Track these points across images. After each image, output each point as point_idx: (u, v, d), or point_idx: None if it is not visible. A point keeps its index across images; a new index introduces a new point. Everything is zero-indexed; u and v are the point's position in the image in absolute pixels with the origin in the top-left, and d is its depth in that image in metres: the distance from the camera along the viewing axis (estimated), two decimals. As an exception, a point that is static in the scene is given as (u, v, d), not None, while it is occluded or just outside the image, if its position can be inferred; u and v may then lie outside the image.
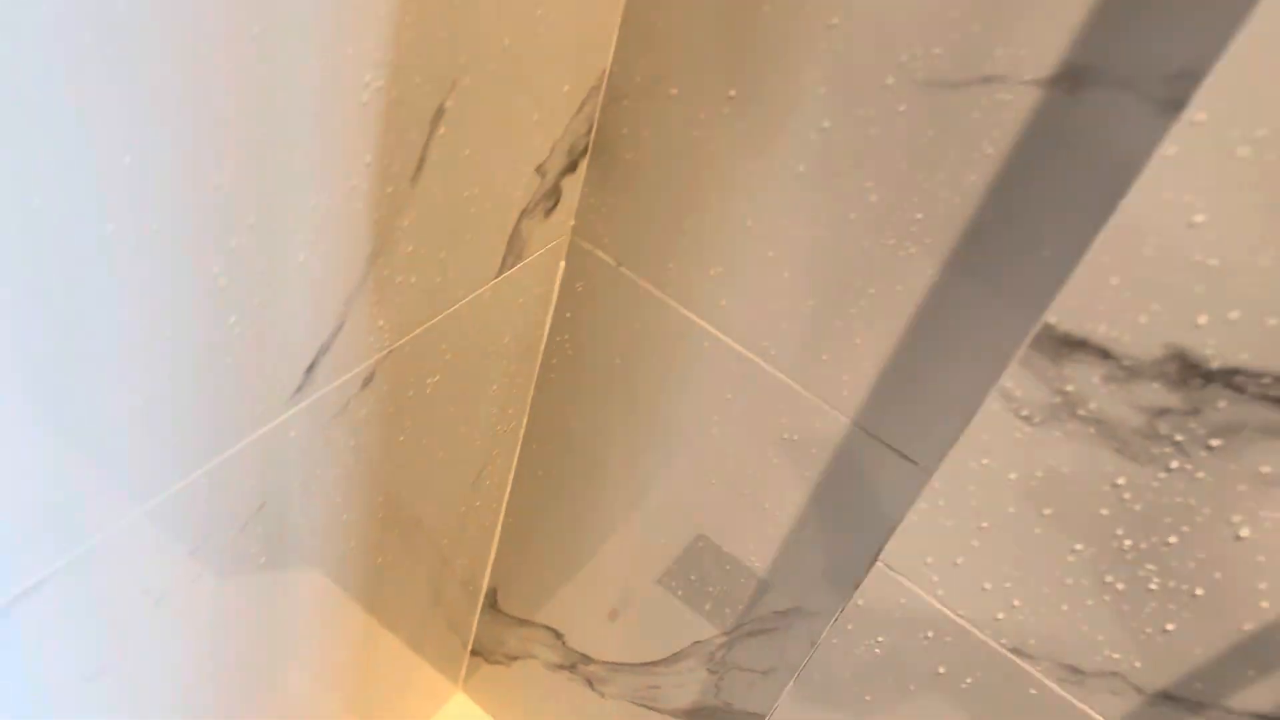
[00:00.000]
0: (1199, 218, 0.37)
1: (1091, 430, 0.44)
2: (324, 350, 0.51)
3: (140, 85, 0.33)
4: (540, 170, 0.60)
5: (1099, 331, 0.42)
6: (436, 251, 0.55)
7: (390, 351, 0.57)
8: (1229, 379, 0.40)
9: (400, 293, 0.54)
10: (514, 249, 0.63)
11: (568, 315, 0.73)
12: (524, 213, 0.62)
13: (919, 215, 0.52)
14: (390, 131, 0.46)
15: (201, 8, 0.34)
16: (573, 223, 0.67)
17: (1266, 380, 0.39)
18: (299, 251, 0.45)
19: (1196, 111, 0.36)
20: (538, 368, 0.77)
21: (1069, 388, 0.44)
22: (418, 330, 0.58)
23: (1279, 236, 0.36)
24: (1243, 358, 0.39)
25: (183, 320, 0.41)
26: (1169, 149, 0.37)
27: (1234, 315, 0.38)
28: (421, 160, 0.49)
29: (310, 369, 0.51)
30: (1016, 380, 0.45)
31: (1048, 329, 0.43)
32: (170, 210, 0.37)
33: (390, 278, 0.53)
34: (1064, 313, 0.42)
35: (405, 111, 0.46)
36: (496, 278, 0.64)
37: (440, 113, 0.48)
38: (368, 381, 0.56)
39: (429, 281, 0.56)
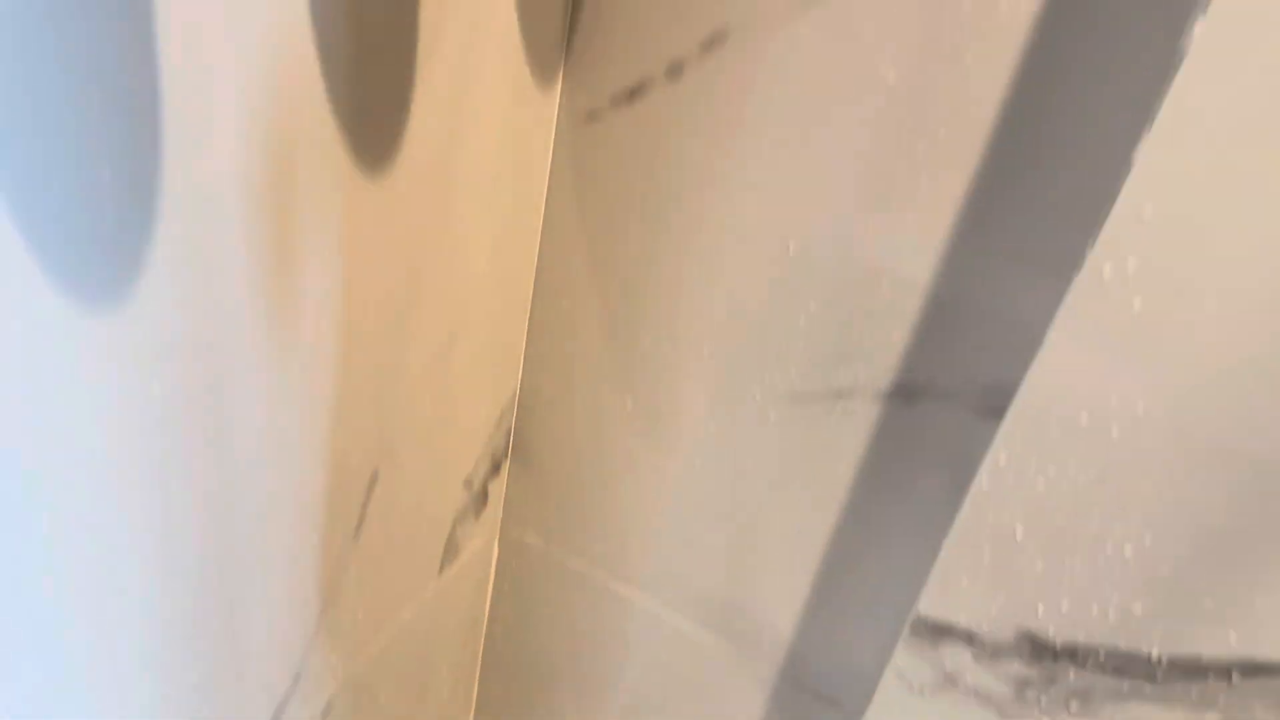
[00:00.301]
0: (1020, 534, 0.45)
1: (973, 700, 0.50)
2: (285, 702, 0.55)
3: (113, 504, 0.39)
4: (467, 482, 0.67)
5: (961, 619, 0.49)
6: (380, 586, 0.60)
7: (344, 681, 0.61)
8: (1072, 655, 0.47)
9: (349, 630, 0.59)
10: (450, 551, 0.69)
11: (506, 592, 0.78)
12: (457, 520, 0.68)
13: (804, 493, 0.60)
14: (331, 507, 0.52)
15: (174, 453, 0.40)
16: (501, 514, 0.73)
17: (1101, 655, 0.46)
18: (257, 634, 0.50)
19: (999, 453, 0.44)
20: (482, 644, 0.81)
21: (947, 665, 0.50)
22: (369, 653, 0.63)
23: (1082, 547, 0.44)
24: (1079, 637, 0.46)
25: (161, 711, 0.46)
26: (983, 483, 0.45)
27: (1065, 606, 0.46)
28: (361, 519, 0.55)
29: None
30: (904, 660, 0.52)
31: (920, 617, 0.50)
32: (145, 626, 0.42)
33: (338, 621, 0.57)
34: (930, 604, 0.49)
35: (344, 488, 0.52)
36: (436, 579, 0.69)
37: (375, 477, 0.55)
38: (326, 713, 0.60)
39: (374, 610, 0.61)
